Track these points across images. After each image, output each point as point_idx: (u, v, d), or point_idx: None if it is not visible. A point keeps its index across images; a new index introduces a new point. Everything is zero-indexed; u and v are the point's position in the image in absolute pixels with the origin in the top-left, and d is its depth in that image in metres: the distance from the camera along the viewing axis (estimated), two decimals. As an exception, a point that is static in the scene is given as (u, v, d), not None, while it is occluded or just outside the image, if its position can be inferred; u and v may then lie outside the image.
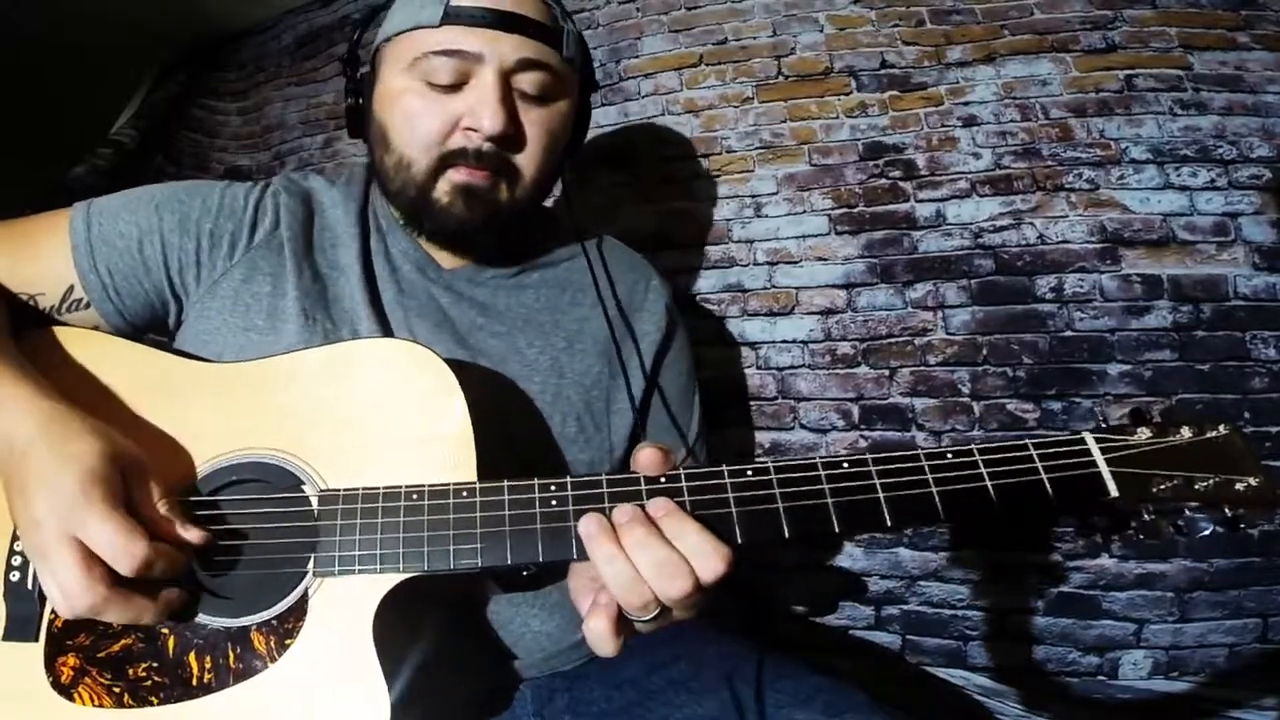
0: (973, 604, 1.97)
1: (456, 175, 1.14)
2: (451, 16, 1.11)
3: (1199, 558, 1.84)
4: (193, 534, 0.89)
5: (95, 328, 1.14)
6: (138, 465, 0.89)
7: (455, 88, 1.13)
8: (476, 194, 1.15)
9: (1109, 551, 1.88)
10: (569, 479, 0.92)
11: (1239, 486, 0.86)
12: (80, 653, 0.92)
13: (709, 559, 0.84)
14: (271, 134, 3.26)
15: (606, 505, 0.89)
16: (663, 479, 0.91)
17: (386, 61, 1.19)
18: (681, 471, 0.91)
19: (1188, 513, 0.88)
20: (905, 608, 1.99)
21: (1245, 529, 0.87)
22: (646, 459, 0.92)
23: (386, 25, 1.20)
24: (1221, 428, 0.90)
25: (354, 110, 1.26)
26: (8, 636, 0.93)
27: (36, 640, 0.93)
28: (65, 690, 0.91)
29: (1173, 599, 1.85)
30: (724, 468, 0.90)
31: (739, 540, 0.87)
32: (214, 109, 3.49)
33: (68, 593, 0.82)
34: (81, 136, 3.07)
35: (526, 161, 1.19)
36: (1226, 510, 0.87)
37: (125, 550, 0.81)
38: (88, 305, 1.13)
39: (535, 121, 1.18)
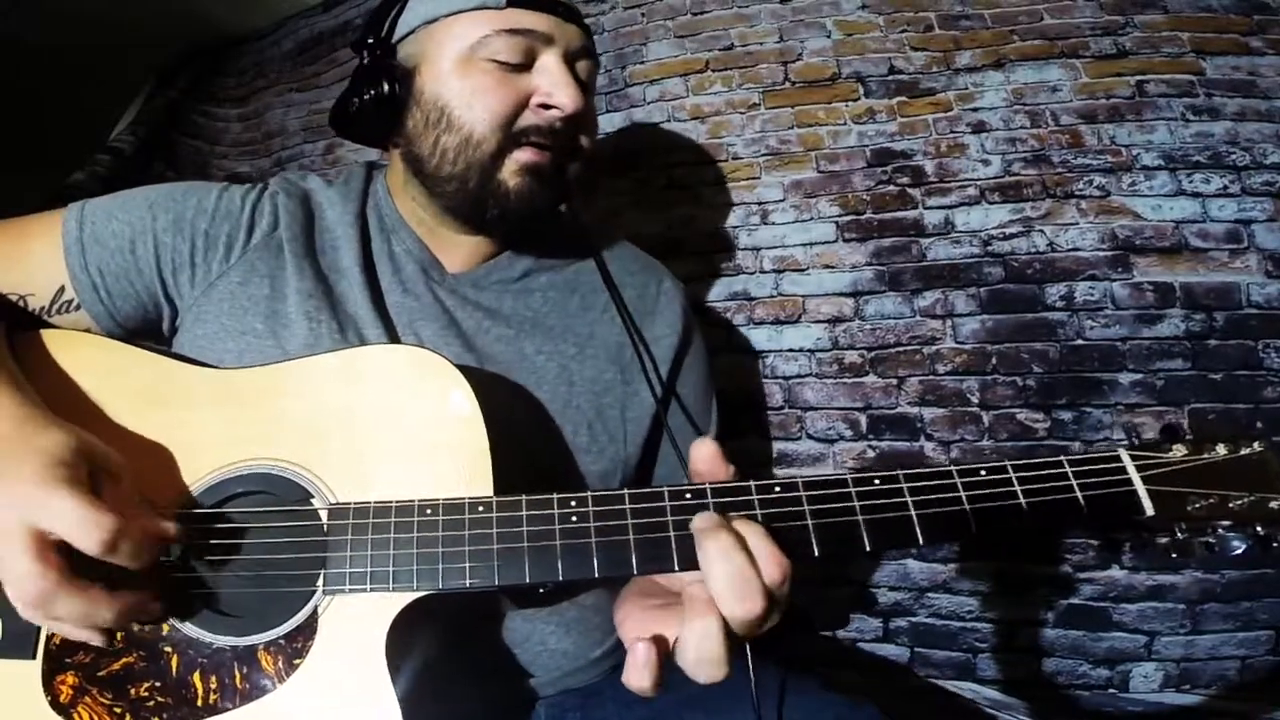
0: (982, 616, 1.95)
1: (523, 155, 1.15)
2: None
3: (1210, 569, 1.82)
4: (168, 524, 0.86)
5: (86, 330, 1.12)
6: (109, 464, 0.86)
7: (521, 68, 1.14)
8: (544, 174, 1.16)
9: (1120, 563, 1.86)
10: (589, 494, 0.89)
11: (1273, 505, 0.85)
12: (79, 671, 0.90)
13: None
14: (272, 140, 3.26)
15: (630, 521, 0.87)
16: (688, 495, 0.88)
17: (436, 43, 1.17)
18: (707, 487, 0.89)
19: (1220, 531, 0.86)
20: (914, 620, 1.97)
21: (1277, 548, 0.85)
22: (708, 454, 0.90)
23: (427, 8, 1.18)
24: (1256, 445, 0.88)
25: (388, 100, 1.19)
26: (3, 653, 0.91)
27: (34, 658, 0.90)
28: (64, 710, 0.89)
29: (1184, 611, 1.83)
30: (751, 483, 0.88)
31: None
32: (214, 115, 3.48)
33: (17, 581, 0.78)
34: (80, 142, 3.07)
35: (586, 144, 1.23)
36: (1259, 529, 0.85)
37: (91, 522, 0.77)
38: (78, 306, 1.12)
39: (588, 108, 1.21)
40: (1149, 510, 0.86)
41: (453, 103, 1.14)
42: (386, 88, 1.18)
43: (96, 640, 0.86)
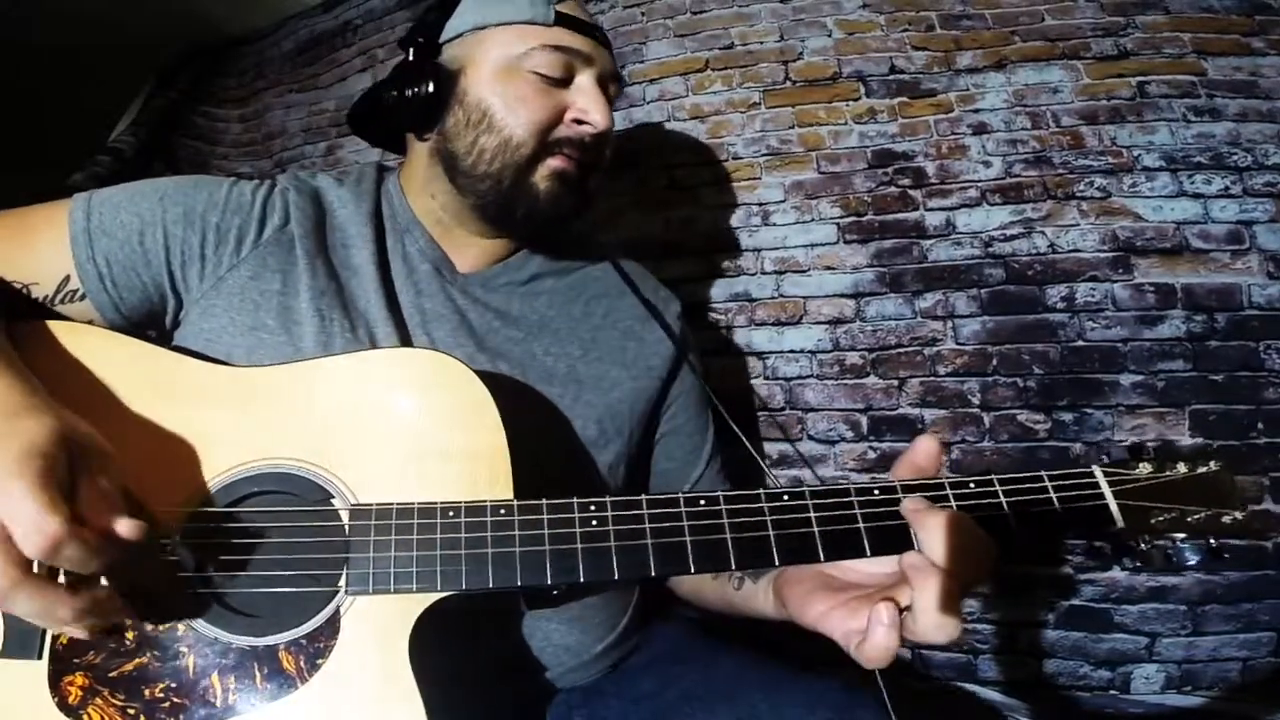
0: (983, 617, 1.96)
1: (555, 162, 1.21)
2: (562, 19, 1.20)
3: (1212, 570, 1.82)
4: (124, 526, 0.81)
5: (89, 321, 1.11)
6: (94, 452, 0.83)
7: (560, 83, 1.20)
8: (571, 181, 1.22)
9: (1120, 564, 1.87)
10: (608, 499, 0.92)
11: (1225, 519, 0.93)
12: (89, 671, 0.88)
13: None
14: (273, 141, 3.26)
15: (647, 525, 0.91)
16: (702, 501, 0.93)
17: (484, 49, 1.21)
18: (720, 494, 0.93)
19: (1177, 543, 0.93)
20: (915, 621, 1.97)
21: (1228, 558, 0.98)
22: (933, 451, 0.97)
23: (479, 15, 1.22)
24: (1212, 464, 0.97)
25: (431, 97, 1.22)
26: (7, 653, 0.89)
27: (39, 658, 0.88)
28: (73, 711, 0.87)
29: (1185, 612, 1.83)
30: (761, 491, 0.93)
31: (776, 563, 0.90)
32: (214, 116, 3.48)
33: None
34: (80, 142, 3.06)
35: (607, 159, 1.30)
36: (1212, 541, 0.93)
37: (36, 525, 0.73)
38: (83, 297, 1.10)
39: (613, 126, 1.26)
40: (1119, 522, 0.93)
41: (495, 107, 1.18)
42: (432, 85, 1.21)
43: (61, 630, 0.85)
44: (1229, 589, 1.82)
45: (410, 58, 1.24)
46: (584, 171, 1.24)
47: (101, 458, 0.84)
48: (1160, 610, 1.85)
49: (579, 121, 1.20)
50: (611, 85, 1.27)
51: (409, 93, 1.22)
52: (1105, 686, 1.86)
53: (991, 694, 1.91)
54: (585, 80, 1.21)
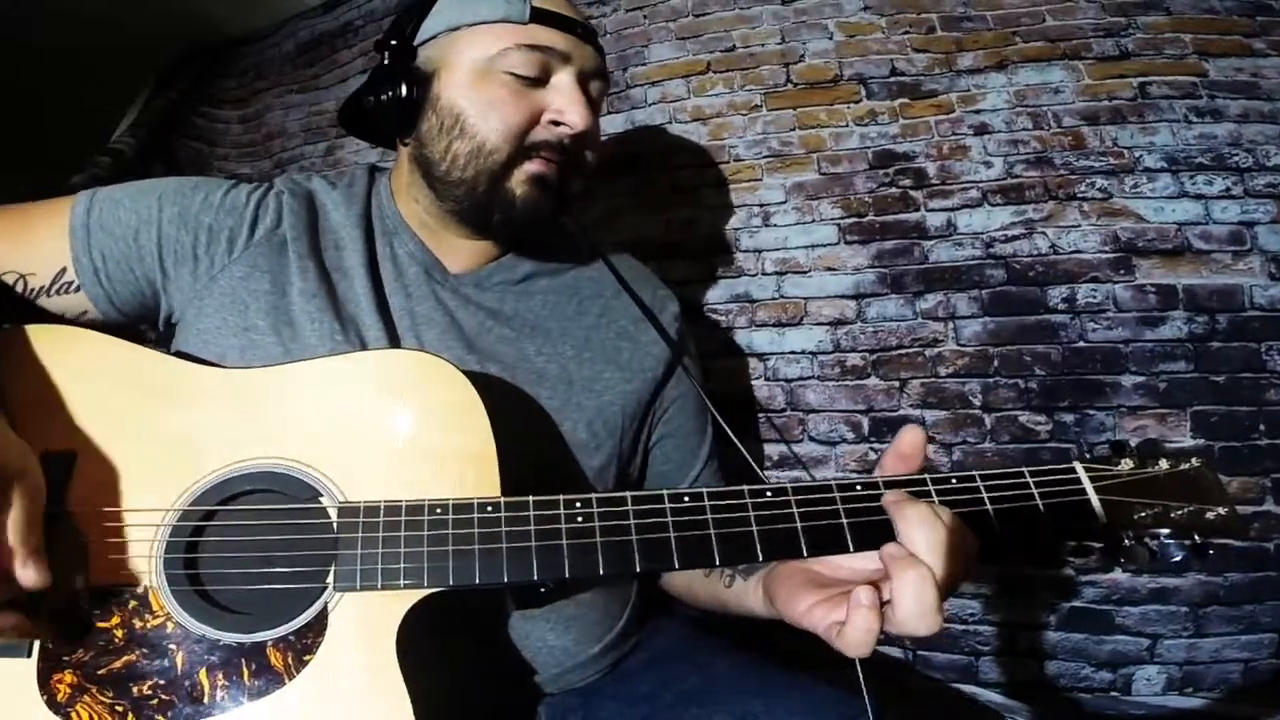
0: (984, 619, 1.95)
1: (533, 166, 1.17)
2: (538, 16, 1.16)
3: (1213, 572, 1.82)
4: (29, 574, 0.82)
5: (84, 313, 1.13)
6: (19, 482, 0.83)
7: (536, 82, 1.16)
8: (550, 185, 1.19)
9: (1121, 565, 1.86)
10: (594, 496, 0.92)
11: (1209, 515, 0.93)
12: (78, 669, 0.88)
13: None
14: (272, 141, 3.26)
15: (632, 521, 0.91)
16: (686, 498, 0.93)
17: (457, 50, 1.18)
18: (704, 490, 0.93)
19: (1161, 539, 0.93)
20: (915, 622, 1.96)
21: (1212, 555, 0.93)
22: (913, 439, 0.96)
23: (452, 15, 1.19)
24: (1194, 460, 0.98)
25: (404, 101, 1.19)
26: None
27: (29, 656, 0.89)
28: (61, 709, 0.87)
29: (1187, 614, 1.83)
30: (744, 488, 0.93)
31: (760, 558, 0.90)
32: (214, 116, 3.49)
33: None
34: (80, 143, 3.07)
35: (590, 160, 1.26)
36: (1196, 538, 0.92)
37: None
38: (78, 289, 1.12)
39: (595, 126, 1.22)
40: (1101, 517, 0.93)
41: (468, 111, 1.16)
42: (404, 89, 1.19)
43: None
44: (1231, 590, 1.81)
45: (385, 61, 1.23)
46: (564, 174, 1.20)
47: (23, 484, 0.83)
48: (1162, 612, 1.84)
49: (556, 123, 1.16)
50: (593, 83, 1.23)
51: (383, 97, 1.20)
52: (1106, 688, 1.86)
53: (992, 696, 1.91)
54: (563, 79, 1.17)
